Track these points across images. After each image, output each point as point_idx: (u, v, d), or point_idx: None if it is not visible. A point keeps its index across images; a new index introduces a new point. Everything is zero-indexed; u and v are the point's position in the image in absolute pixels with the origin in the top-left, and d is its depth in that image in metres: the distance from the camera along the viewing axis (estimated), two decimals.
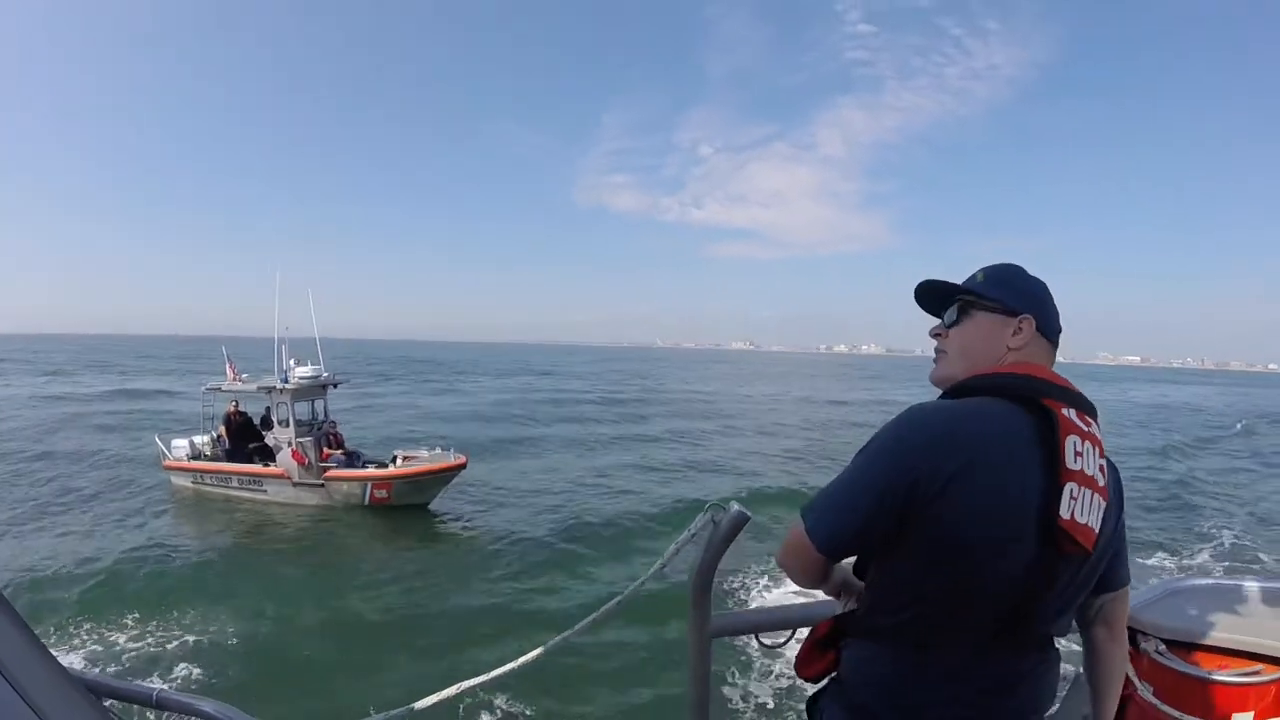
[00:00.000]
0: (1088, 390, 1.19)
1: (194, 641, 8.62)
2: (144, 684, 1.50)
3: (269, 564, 12.19)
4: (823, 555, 1.16)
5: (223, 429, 16.17)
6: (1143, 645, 2.08)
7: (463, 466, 15.04)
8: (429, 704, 1.76)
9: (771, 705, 6.92)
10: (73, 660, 7.93)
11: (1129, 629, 1.75)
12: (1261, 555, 13.32)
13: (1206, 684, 2.00)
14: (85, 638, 8.73)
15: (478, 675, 1.83)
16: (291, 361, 15.79)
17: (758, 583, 10.48)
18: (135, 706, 1.44)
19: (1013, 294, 1.22)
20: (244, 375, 17.15)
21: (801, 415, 39.68)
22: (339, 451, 15.74)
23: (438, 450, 16.12)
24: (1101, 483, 1.09)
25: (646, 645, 7.64)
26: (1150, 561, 12.14)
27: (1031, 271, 1.28)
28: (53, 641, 8.37)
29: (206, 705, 1.40)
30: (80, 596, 10.04)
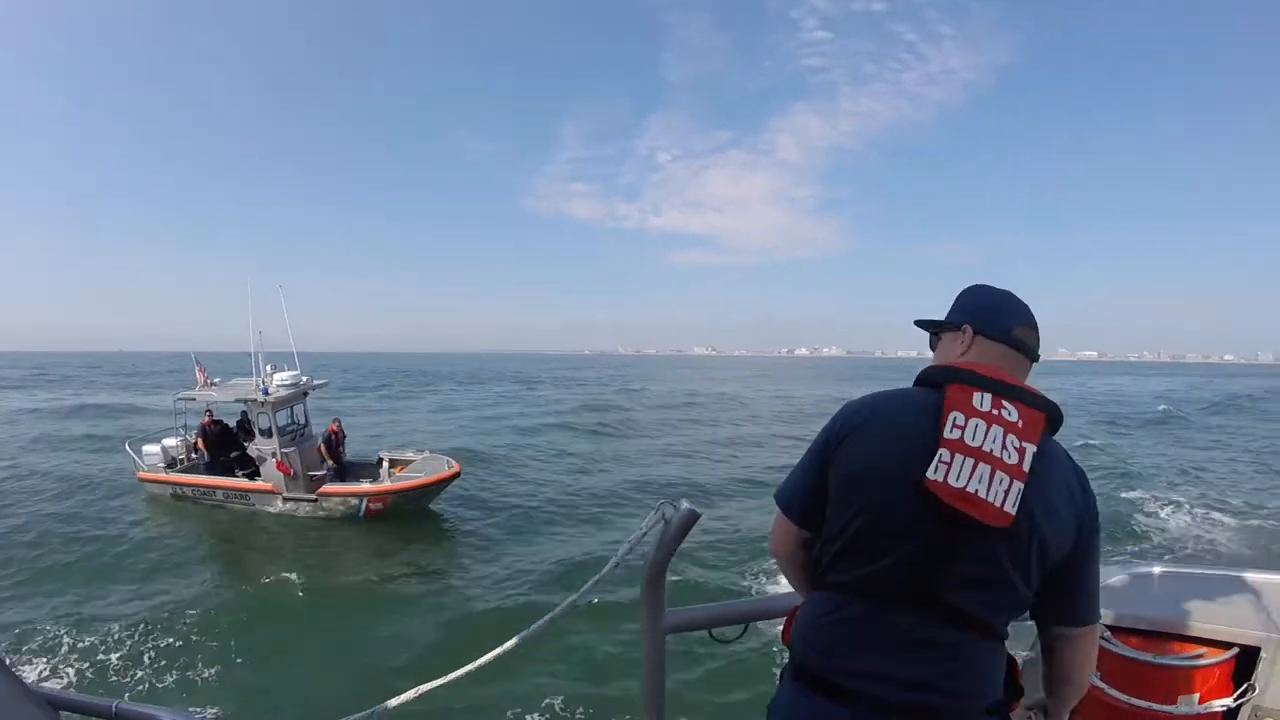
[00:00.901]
0: (1043, 382, 1.30)
1: (175, 650, 8.42)
2: (102, 697, 1.48)
3: (251, 574, 11.67)
4: (787, 520, 1.42)
5: (199, 440, 15.36)
6: None
7: (457, 475, 14.66)
8: (393, 705, 1.85)
9: (725, 699, 6.91)
10: (37, 673, 7.71)
11: None
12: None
13: (1153, 668, 2.08)
14: (57, 652, 8.30)
15: (437, 678, 1.93)
16: (269, 368, 15.11)
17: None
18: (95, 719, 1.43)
19: (959, 311, 1.45)
20: (215, 379, 16.40)
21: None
22: (330, 463, 15.10)
23: (426, 453, 15.68)
24: (1010, 461, 1.18)
25: (603, 642, 7.68)
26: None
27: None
28: (21, 656, 8.04)
29: (166, 716, 1.42)
30: (56, 608, 9.62)
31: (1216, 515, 15.09)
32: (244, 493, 14.76)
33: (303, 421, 15.78)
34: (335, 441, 15.26)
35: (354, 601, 10.35)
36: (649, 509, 1.73)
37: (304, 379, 15.61)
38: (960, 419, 1.21)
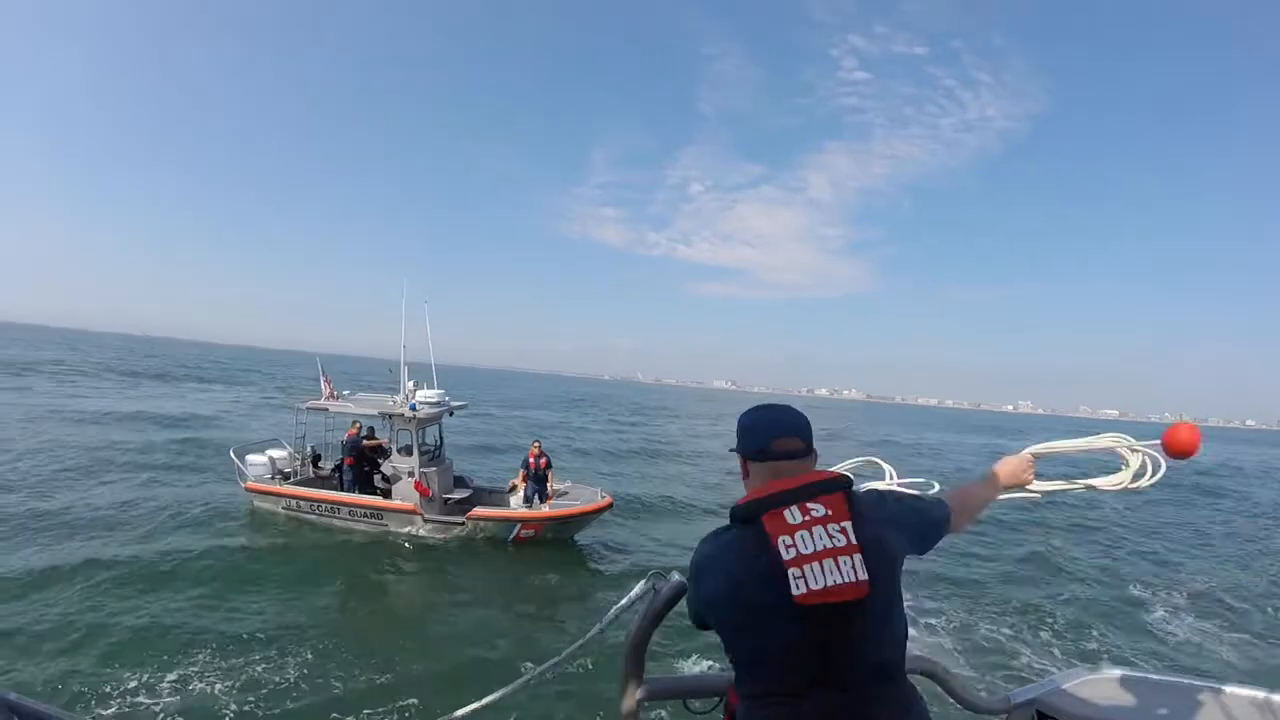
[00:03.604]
0: None
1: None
2: (70, 711, 1.29)
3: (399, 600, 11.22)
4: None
5: (347, 457, 14.62)
6: None
7: (609, 507, 14.24)
8: None
9: None
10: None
11: (1040, 713, 2.21)
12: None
13: None
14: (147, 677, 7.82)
15: None
16: (410, 384, 14.70)
17: None
18: None
19: (737, 442, 1.65)
20: (344, 392, 16.02)
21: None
22: (464, 489, 14.69)
23: (570, 482, 15.15)
24: (841, 544, 1.39)
25: (582, 707, 7.51)
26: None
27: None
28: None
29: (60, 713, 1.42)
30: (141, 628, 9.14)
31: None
32: (378, 511, 14.10)
33: (438, 442, 15.33)
34: (539, 466, 14.48)
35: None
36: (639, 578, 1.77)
37: (447, 399, 15.12)
38: (788, 539, 1.39)
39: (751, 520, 1.48)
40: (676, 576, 1.72)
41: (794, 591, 1.35)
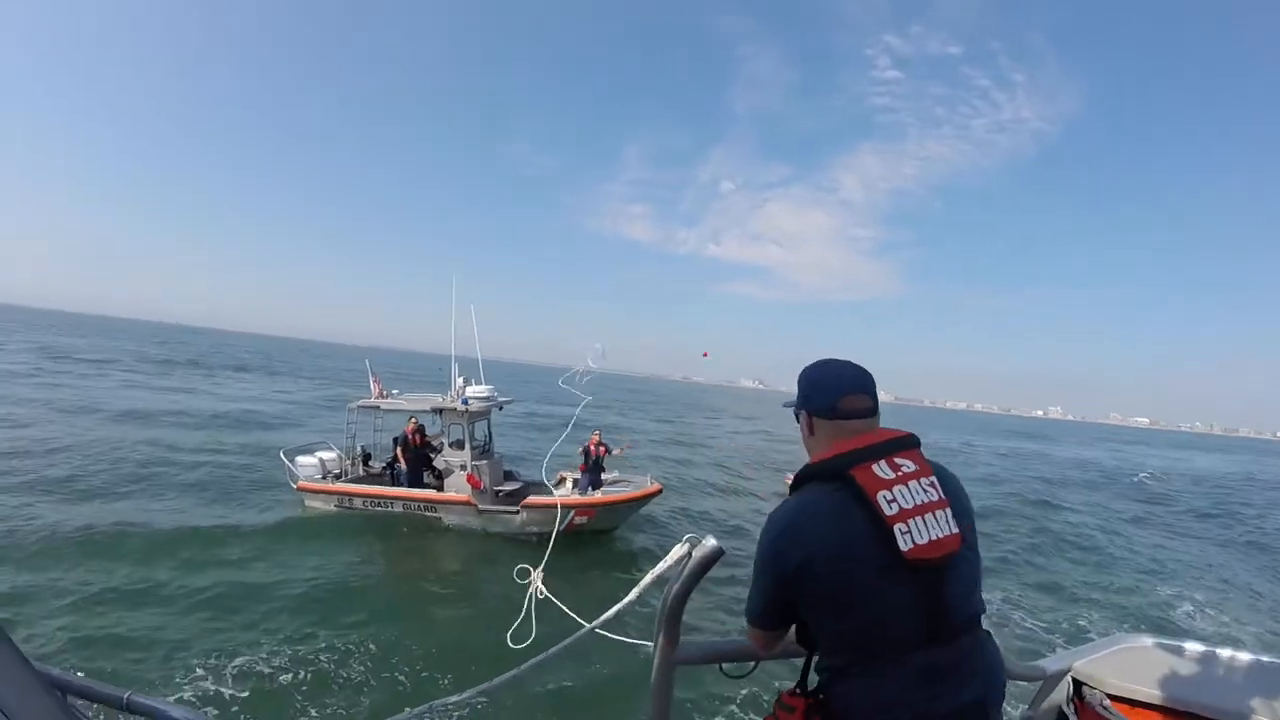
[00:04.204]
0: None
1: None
2: (115, 686, 1.51)
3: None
4: (762, 630, 1.61)
5: (399, 452, 15.02)
6: (1088, 697, 2.21)
7: (658, 493, 14.74)
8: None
9: None
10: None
11: (1075, 680, 2.25)
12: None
13: None
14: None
15: (450, 695, 2.07)
16: (460, 380, 15.12)
17: None
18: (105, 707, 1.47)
19: (798, 397, 1.66)
20: (394, 391, 16.45)
21: None
22: (514, 482, 15.12)
23: (615, 473, 15.47)
24: (935, 497, 1.42)
25: (615, 671, 7.62)
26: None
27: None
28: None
29: (176, 711, 1.45)
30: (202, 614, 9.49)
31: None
32: (431, 505, 14.51)
33: (487, 436, 15.76)
34: (599, 454, 14.92)
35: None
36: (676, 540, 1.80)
37: (496, 394, 15.53)
38: (887, 494, 1.39)
39: (837, 476, 1.45)
40: (712, 540, 1.68)
41: (902, 547, 1.35)
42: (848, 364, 1.62)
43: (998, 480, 32.93)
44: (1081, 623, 11.68)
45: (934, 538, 1.37)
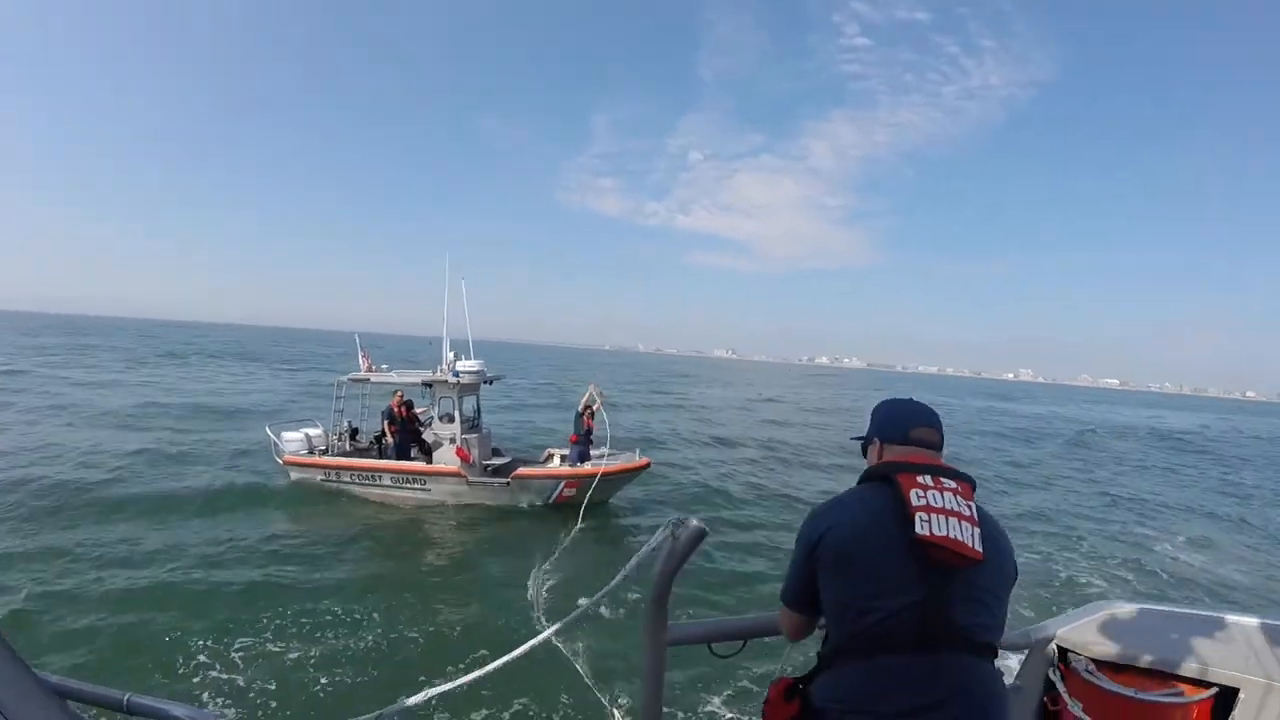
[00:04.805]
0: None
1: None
2: (114, 688, 1.53)
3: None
4: (793, 611, 1.77)
5: (388, 425, 15.00)
6: (1073, 663, 2.28)
7: (646, 467, 14.98)
8: (410, 703, 2.02)
9: (722, 713, 7.05)
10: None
11: (1060, 647, 2.32)
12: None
13: (1132, 703, 2.17)
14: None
15: (444, 682, 2.09)
16: (450, 354, 15.12)
17: None
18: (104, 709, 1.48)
19: (871, 426, 1.85)
20: (382, 366, 16.38)
21: None
22: (501, 457, 15.32)
23: (605, 449, 15.61)
24: (967, 513, 1.54)
25: (605, 654, 7.72)
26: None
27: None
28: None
29: (179, 711, 1.48)
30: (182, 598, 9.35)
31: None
32: (420, 477, 14.58)
33: (476, 411, 15.84)
34: (590, 427, 15.05)
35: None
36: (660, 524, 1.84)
37: (485, 369, 15.55)
38: (920, 492, 1.55)
39: (884, 478, 1.65)
40: (694, 522, 1.77)
41: (917, 530, 1.49)
42: (918, 402, 1.85)
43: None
44: (1072, 587, 12.08)
45: (952, 536, 1.49)
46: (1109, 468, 29.14)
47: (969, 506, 1.56)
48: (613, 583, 1.93)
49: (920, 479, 1.59)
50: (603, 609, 8.75)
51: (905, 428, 1.76)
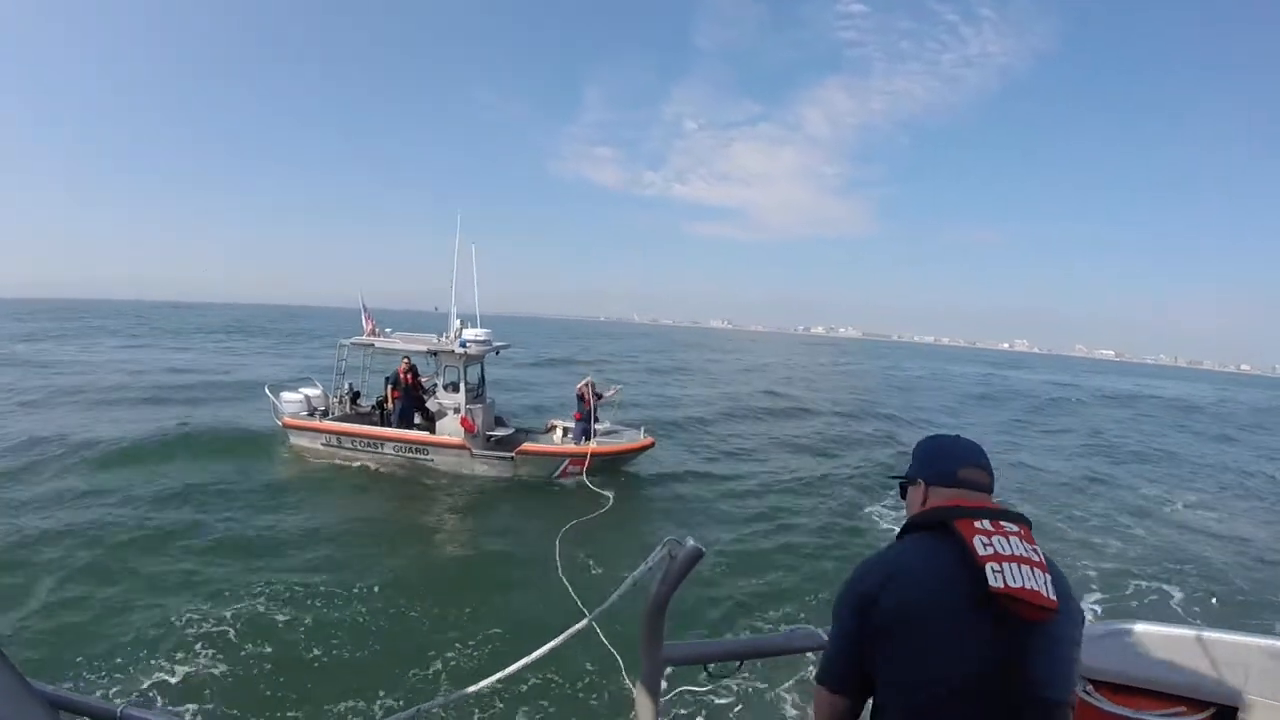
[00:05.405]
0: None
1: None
2: (108, 700, 1.55)
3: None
4: (833, 693, 1.48)
5: (391, 390, 14.75)
6: None
7: (650, 446, 14.76)
8: None
9: None
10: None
11: None
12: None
13: None
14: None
15: (434, 697, 2.04)
16: (458, 323, 14.86)
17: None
18: None
19: (914, 464, 1.65)
20: (386, 330, 16.03)
21: None
22: (505, 428, 15.17)
23: (608, 423, 15.46)
24: (1036, 558, 1.35)
25: (599, 673, 7.39)
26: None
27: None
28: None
29: None
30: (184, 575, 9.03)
31: None
32: (424, 447, 14.37)
33: (480, 380, 15.55)
34: (593, 403, 14.72)
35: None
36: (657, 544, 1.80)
37: (493, 339, 15.24)
38: (985, 539, 1.35)
39: (937, 526, 1.45)
40: (691, 542, 1.73)
41: (991, 582, 1.29)
42: (965, 439, 1.66)
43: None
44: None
45: (1027, 585, 1.30)
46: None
47: (1036, 551, 1.38)
48: (607, 602, 1.91)
49: (979, 524, 1.40)
50: (596, 627, 8.44)
51: (953, 468, 1.57)
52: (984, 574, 1.30)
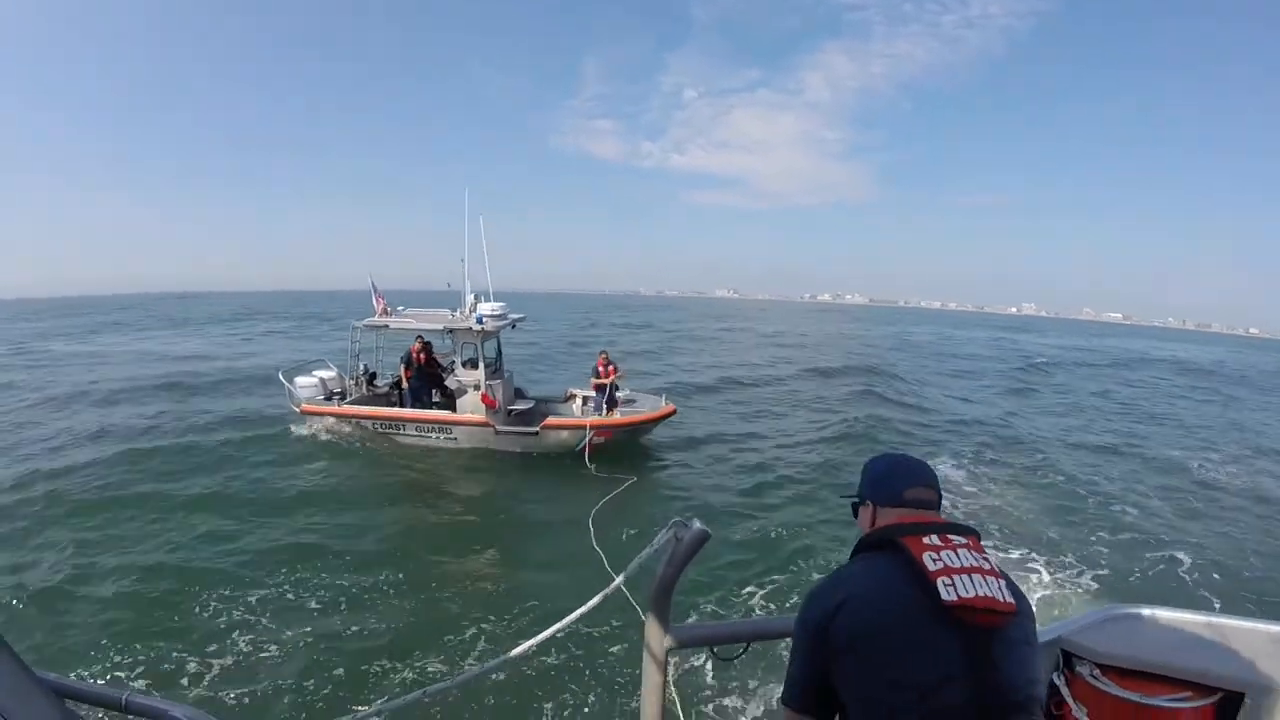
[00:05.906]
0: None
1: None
2: (113, 687, 1.60)
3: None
4: (790, 710, 1.50)
5: (404, 370, 14.66)
6: (1078, 668, 2.22)
7: (672, 414, 14.71)
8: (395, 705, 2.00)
9: (725, 715, 6.76)
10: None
11: (1065, 652, 2.25)
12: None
13: (1138, 708, 2.11)
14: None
15: (440, 680, 2.10)
16: (472, 298, 14.64)
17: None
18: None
19: (862, 486, 1.68)
20: (399, 308, 15.82)
21: None
22: (525, 401, 15.14)
23: (628, 390, 15.42)
24: (987, 567, 1.38)
25: (605, 657, 7.33)
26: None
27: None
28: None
29: (178, 711, 1.44)
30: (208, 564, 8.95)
31: None
32: (446, 426, 14.29)
33: (497, 355, 15.37)
34: (609, 374, 14.66)
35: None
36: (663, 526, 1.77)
37: (510, 313, 15.09)
38: (934, 555, 1.38)
39: (886, 545, 1.48)
40: (698, 524, 1.73)
41: (944, 596, 1.31)
42: (915, 459, 1.67)
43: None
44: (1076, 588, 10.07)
45: (981, 594, 1.32)
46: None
47: (986, 560, 1.40)
48: (612, 585, 1.91)
49: (927, 539, 1.43)
50: (602, 609, 8.34)
51: (900, 488, 1.60)
52: (936, 589, 1.32)
